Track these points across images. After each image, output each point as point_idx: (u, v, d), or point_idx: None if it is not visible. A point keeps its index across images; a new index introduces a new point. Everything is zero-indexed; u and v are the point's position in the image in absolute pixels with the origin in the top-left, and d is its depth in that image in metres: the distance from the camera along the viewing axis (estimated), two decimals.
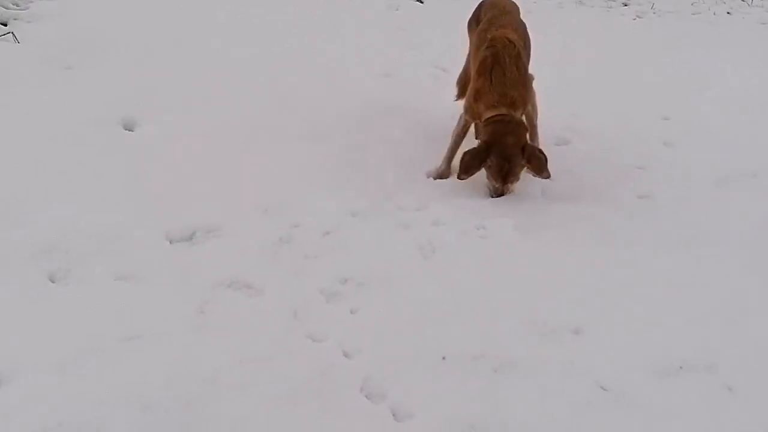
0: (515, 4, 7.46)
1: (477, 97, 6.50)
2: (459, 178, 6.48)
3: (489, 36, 6.59)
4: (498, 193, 6.51)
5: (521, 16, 7.33)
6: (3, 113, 7.06)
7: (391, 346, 4.92)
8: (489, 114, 6.39)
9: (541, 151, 6.44)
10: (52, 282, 5.17)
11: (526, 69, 6.63)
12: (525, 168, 6.40)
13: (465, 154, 6.44)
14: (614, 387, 4.75)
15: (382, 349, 4.88)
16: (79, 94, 7.61)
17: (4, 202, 5.76)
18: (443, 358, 4.86)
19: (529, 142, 6.55)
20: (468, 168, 6.38)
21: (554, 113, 7.76)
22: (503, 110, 6.34)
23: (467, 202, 6.44)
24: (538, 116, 7.17)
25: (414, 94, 8.80)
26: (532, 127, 6.98)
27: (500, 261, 5.76)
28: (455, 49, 8.46)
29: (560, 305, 5.40)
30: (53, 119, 7.04)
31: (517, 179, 6.46)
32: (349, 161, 7.05)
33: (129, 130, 7.19)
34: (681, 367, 4.96)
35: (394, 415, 4.41)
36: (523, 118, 6.69)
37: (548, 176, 6.41)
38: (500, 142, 6.28)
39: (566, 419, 4.48)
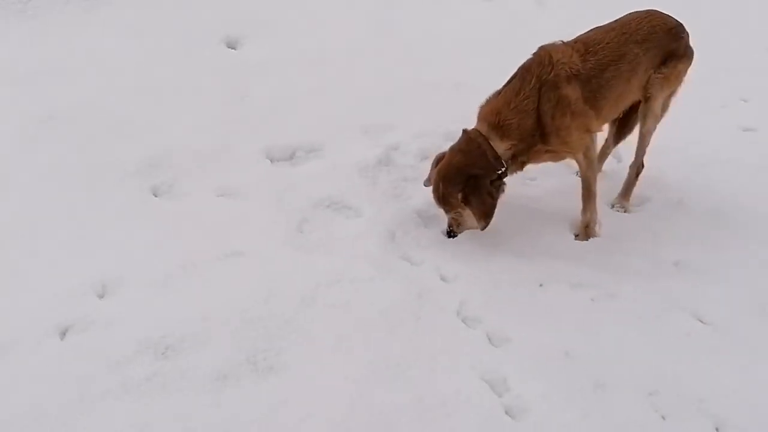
0: (667, 24, 5.50)
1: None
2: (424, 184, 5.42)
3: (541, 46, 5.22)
4: (448, 232, 5.31)
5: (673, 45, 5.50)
6: (111, 31, 7.14)
7: (488, 271, 4.92)
8: (475, 125, 5.20)
9: (491, 196, 5.11)
10: (156, 196, 5.28)
11: (566, 108, 5.05)
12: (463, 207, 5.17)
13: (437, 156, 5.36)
14: (713, 321, 4.70)
15: (479, 274, 4.89)
16: (183, 13, 7.65)
17: (109, 118, 5.86)
18: (540, 285, 4.85)
19: (493, 178, 5.12)
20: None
21: None
22: (482, 128, 5.11)
23: None
24: (596, 179, 5.45)
25: (517, 22, 8.64)
26: (586, 188, 5.41)
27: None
28: None
29: (662, 239, 5.36)
30: (158, 38, 7.12)
31: (455, 213, 5.21)
32: (450, 85, 6.98)
33: (232, 48, 7.22)
34: None
35: (489, 339, 4.42)
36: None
37: (480, 227, 5.15)
38: (447, 160, 5.18)
39: (664, 350, 4.44)
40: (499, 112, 5.04)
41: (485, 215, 5.11)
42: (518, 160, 5.17)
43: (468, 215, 5.19)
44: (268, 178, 5.56)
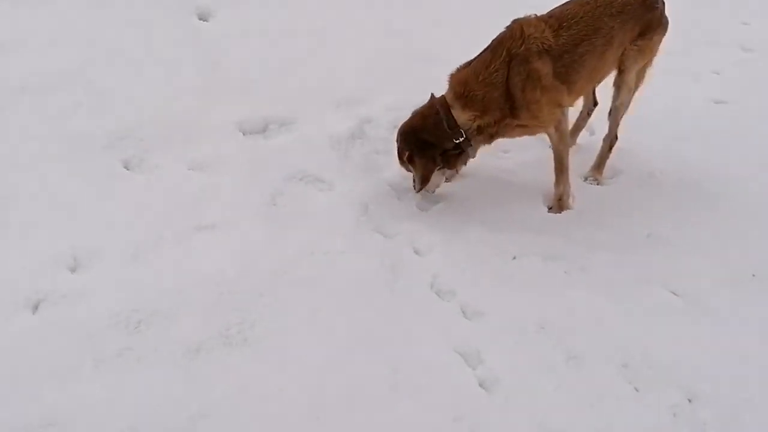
0: None
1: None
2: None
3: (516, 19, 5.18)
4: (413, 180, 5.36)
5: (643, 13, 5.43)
6: (80, 3, 7.04)
7: (462, 244, 4.94)
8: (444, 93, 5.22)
9: (433, 162, 5.20)
10: (127, 169, 5.22)
11: (536, 82, 5.02)
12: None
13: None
14: (685, 293, 4.74)
15: (453, 246, 4.90)
16: None
17: (81, 90, 5.78)
18: (514, 258, 4.87)
19: (447, 147, 5.18)
20: None
21: None
22: (448, 95, 5.13)
23: None
24: (568, 152, 5.46)
25: None
26: (558, 161, 5.44)
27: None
28: None
29: (634, 211, 5.40)
30: (129, 10, 7.01)
31: (407, 169, 5.30)
32: (425, 56, 6.94)
33: (203, 20, 7.15)
34: (753, 275, 4.93)
35: (463, 311, 4.44)
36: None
37: (416, 189, 5.28)
38: (408, 120, 5.26)
39: (636, 322, 4.48)
40: (466, 82, 5.06)
41: (423, 179, 5.21)
42: (486, 132, 5.17)
43: (442, 171, 5.35)
44: (241, 151, 5.52)
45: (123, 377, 3.79)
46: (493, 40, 5.10)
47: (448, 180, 5.54)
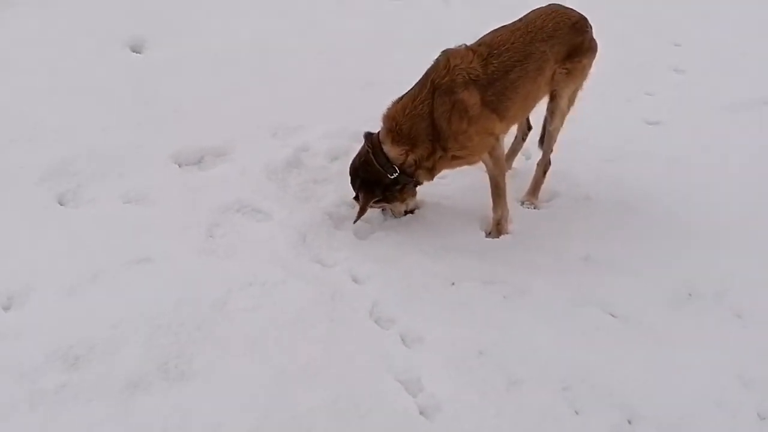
0: (571, 19, 5.51)
1: None
2: None
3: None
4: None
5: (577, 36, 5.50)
6: (7, 35, 6.98)
7: (401, 271, 4.94)
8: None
9: (361, 198, 5.24)
10: (61, 204, 5.16)
11: (462, 113, 5.01)
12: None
13: None
14: (623, 314, 4.81)
15: (392, 274, 4.90)
16: (87, 16, 7.51)
17: (11, 124, 5.72)
18: (453, 283, 4.88)
19: (386, 182, 5.20)
20: None
21: None
22: (382, 132, 5.18)
23: None
24: (504, 177, 5.46)
25: (423, 21, 8.68)
26: (495, 186, 5.43)
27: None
28: None
29: (571, 234, 5.45)
30: (59, 41, 6.97)
31: (361, 204, 5.26)
32: (362, 84, 6.98)
33: (137, 53, 7.11)
34: (690, 295, 5.00)
35: (403, 339, 4.45)
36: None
37: (354, 220, 5.28)
38: (353, 160, 5.34)
39: (575, 345, 4.52)
40: (394, 117, 5.09)
41: (360, 211, 5.25)
42: (423, 167, 5.20)
43: (393, 205, 5.41)
44: (177, 182, 5.48)
45: (60, 414, 3.74)
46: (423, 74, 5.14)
47: (411, 211, 5.56)
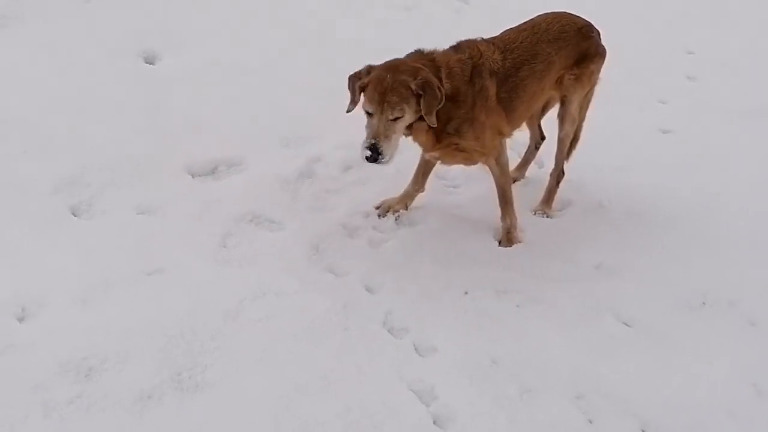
0: (576, 24, 5.52)
1: None
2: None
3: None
4: (370, 148, 4.70)
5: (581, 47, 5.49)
6: (23, 47, 7.00)
7: (413, 280, 4.93)
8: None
9: (440, 89, 4.76)
10: (75, 215, 5.17)
11: (484, 100, 5.00)
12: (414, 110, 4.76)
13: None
14: (635, 321, 4.80)
15: (405, 283, 4.90)
16: (98, 28, 7.52)
17: (26, 136, 5.75)
18: (466, 292, 4.87)
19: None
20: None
21: None
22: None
23: None
24: (510, 185, 5.46)
25: (434, 32, 8.67)
26: (502, 194, 5.40)
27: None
28: None
29: (584, 242, 5.44)
30: (73, 53, 6.97)
31: (398, 110, 4.69)
32: None
33: (150, 64, 7.12)
34: (704, 303, 4.98)
35: (416, 348, 4.44)
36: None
37: (429, 122, 4.73)
38: (392, 61, 4.94)
39: (588, 353, 4.50)
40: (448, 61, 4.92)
41: (433, 108, 4.74)
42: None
43: (405, 120, 4.76)
44: (190, 193, 5.49)
45: (73, 425, 3.75)
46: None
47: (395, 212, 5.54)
